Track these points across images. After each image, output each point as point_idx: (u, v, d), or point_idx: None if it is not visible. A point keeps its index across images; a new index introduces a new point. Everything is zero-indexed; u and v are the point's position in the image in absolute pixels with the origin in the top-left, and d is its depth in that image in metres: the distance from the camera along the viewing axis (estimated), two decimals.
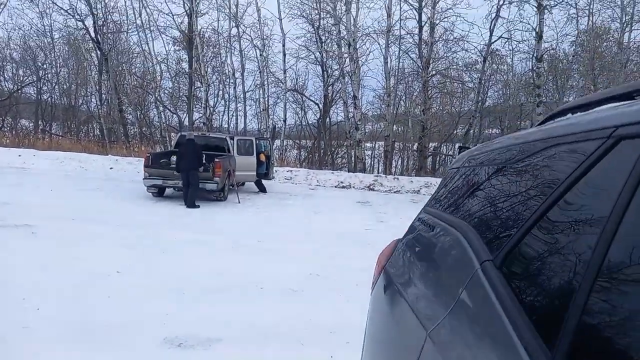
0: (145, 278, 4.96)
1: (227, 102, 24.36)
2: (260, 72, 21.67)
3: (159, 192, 11.14)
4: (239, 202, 11.17)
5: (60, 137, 22.89)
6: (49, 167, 15.43)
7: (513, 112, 22.68)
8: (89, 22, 21.89)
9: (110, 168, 16.24)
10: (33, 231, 6.63)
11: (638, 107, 0.81)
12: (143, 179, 10.82)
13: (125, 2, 22.36)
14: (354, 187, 16.24)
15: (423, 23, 19.46)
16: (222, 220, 9.00)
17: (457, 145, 22.81)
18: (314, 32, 21.72)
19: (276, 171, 16.16)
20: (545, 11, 17.89)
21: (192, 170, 10.19)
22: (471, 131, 22.02)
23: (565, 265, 0.79)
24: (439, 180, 17.72)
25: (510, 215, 1.07)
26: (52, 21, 23.96)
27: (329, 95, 23.39)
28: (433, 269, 1.37)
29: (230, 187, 11.77)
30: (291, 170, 17.77)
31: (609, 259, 0.70)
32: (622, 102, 0.97)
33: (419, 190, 15.94)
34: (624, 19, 18.88)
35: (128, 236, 6.82)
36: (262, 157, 13.42)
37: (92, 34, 22.14)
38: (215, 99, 24.08)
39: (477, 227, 1.19)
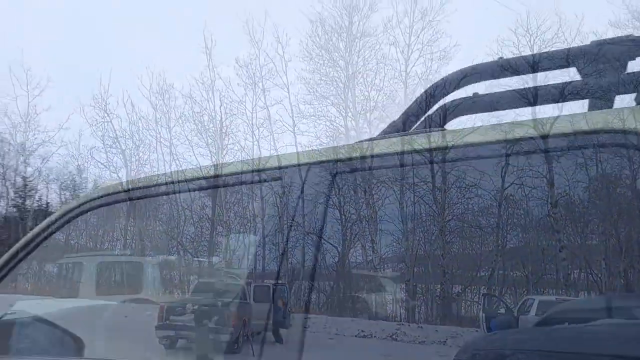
0: None
1: (247, 247, 24.66)
2: (279, 217, 22.31)
3: (171, 344, 10.68)
4: (253, 355, 10.53)
5: None
6: None
7: (535, 256, 22.26)
8: (122, 173, 23.69)
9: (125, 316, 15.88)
10: None
11: None
12: (156, 329, 10.47)
13: (157, 155, 24.36)
14: (375, 336, 15.33)
15: (435, 171, 20.48)
16: None
17: (481, 291, 21.86)
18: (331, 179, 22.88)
19: (293, 318, 15.52)
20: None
21: (205, 319, 9.87)
22: (494, 274, 21.43)
23: None
24: (465, 329, 16.49)
25: None
26: (89, 174, 25.84)
27: (348, 238, 23.61)
28: None
29: (245, 337, 11.25)
30: (309, 317, 17.07)
31: None
32: None
33: (445, 341, 14.91)
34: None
35: None
36: (281, 303, 13.05)
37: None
38: (236, 243, 24.46)
39: None
